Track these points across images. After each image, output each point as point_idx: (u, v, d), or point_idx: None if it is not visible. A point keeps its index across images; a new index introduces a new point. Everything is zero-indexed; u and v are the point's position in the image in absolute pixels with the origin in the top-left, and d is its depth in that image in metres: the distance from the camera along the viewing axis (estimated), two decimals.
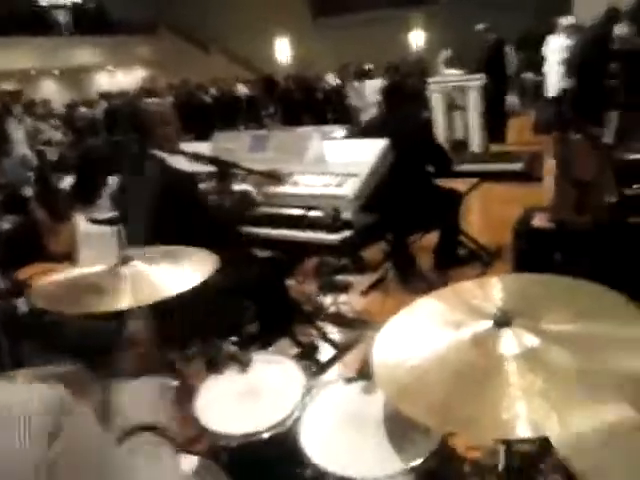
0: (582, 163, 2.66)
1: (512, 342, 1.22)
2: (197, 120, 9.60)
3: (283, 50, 19.51)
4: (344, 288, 4.08)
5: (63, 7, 18.19)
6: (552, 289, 1.40)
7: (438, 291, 1.47)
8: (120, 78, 19.56)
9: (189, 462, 1.54)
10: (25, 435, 0.69)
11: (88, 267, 1.63)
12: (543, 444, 1.58)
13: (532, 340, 1.21)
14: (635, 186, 2.37)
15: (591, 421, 0.96)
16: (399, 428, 1.42)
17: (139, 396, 1.14)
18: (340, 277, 4.24)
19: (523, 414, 1.09)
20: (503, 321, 1.24)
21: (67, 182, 5.29)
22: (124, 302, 1.42)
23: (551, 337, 1.21)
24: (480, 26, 8.31)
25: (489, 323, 1.26)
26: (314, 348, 3.18)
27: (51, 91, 17.47)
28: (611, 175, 2.50)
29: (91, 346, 2.01)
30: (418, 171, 3.69)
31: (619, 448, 0.87)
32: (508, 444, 1.49)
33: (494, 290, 1.38)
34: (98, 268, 1.58)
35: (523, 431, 1.07)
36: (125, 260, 1.55)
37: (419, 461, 1.35)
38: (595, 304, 1.31)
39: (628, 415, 0.91)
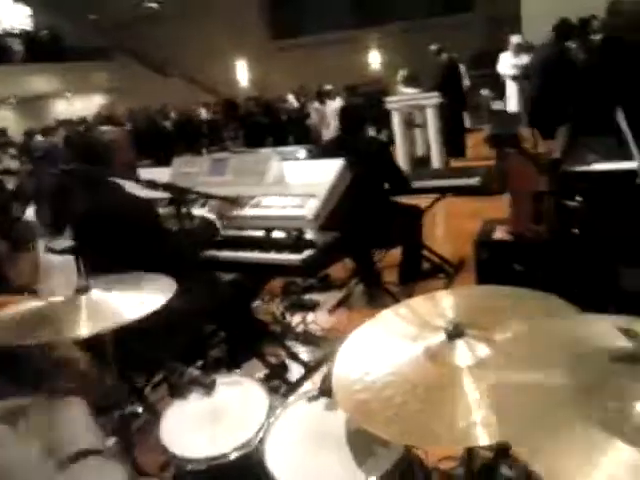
0: (526, 178, 2.77)
1: (465, 353, 1.27)
2: (158, 145, 9.57)
3: (243, 72, 19.60)
4: (311, 307, 4.10)
5: (17, 35, 17.99)
6: (502, 299, 1.45)
7: (394, 307, 1.51)
8: (78, 105, 19.34)
9: None
10: None
11: (46, 299, 1.62)
12: (502, 449, 1.62)
13: (484, 350, 1.26)
14: (577, 198, 2.46)
15: (545, 423, 1.00)
16: (362, 443, 1.45)
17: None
18: (307, 296, 4.26)
19: (479, 422, 1.13)
20: (455, 333, 1.29)
21: (30, 212, 5.22)
22: (81, 330, 1.42)
23: (502, 346, 1.26)
24: (433, 46, 8.54)
25: (442, 336, 1.30)
26: (283, 368, 3.18)
27: (8, 120, 17.18)
28: (556, 190, 2.60)
29: (55, 377, 1.99)
30: (376, 190, 3.76)
31: (573, 445, 0.90)
32: (469, 452, 1.53)
33: (446, 304, 1.43)
34: (55, 299, 1.57)
35: (480, 438, 1.11)
36: (83, 290, 1.55)
37: (381, 473, 1.37)
38: (543, 312, 1.37)
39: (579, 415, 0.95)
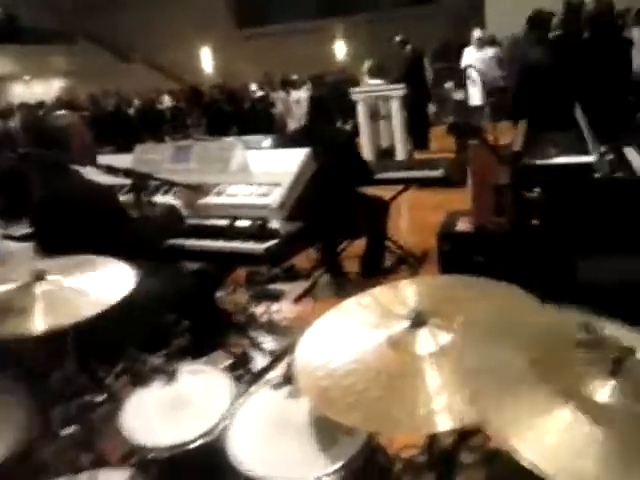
0: (487, 171, 2.82)
1: (427, 341, 1.29)
2: (119, 132, 9.39)
3: (207, 60, 19.36)
4: (276, 297, 4.10)
5: None
6: (464, 289, 1.48)
7: (357, 296, 1.52)
8: (37, 89, 18.80)
9: (119, 477, 1.53)
10: None
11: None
12: (461, 438, 1.65)
13: (445, 337, 1.29)
14: (535, 190, 2.52)
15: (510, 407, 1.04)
16: (325, 430, 1.46)
17: None
18: (272, 286, 4.25)
19: (439, 408, 1.15)
20: (418, 321, 1.31)
21: None
22: (39, 325, 1.38)
23: (464, 334, 1.29)
24: (398, 38, 8.57)
25: (405, 324, 1.32)
26: (247, 358, 3.17)
27: None
28: (515, 182, 2.65)
29: (14, 364, 1.96)
30: (341, 180, 3.77)
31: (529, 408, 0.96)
32: (431, 439, 1.56)
33: (409, 293, 1.45)
34: (9, 286, 1.53)
35: (440, 425, 1.14)
36: (39, 276, 1.51)
37: (343, 461, 1.39)
38: (505, 301, 1.40)
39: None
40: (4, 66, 17.89)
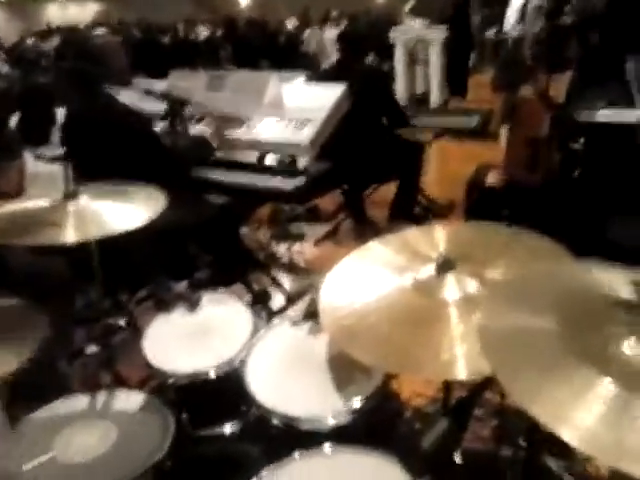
0: (533, 122, 2.71)
1: (454, 287, 1.27)
2: (153, 61, 9.28)
3: None
4: (297, 237, 4.10)
5: None
6: (495, 237, 1.44)
7: (384, 237, 1.49)
8: (72, 11, 18.56)
9: (135, 399, 1.56)
10: None
11: (32, 202, 1.59)
12: (478, 389, 1.65)
13: (472, 286, 1.26)
14: (581, 140, 2.43)
15: (532, 361, 1.00)
16: (342, 369, 1.47)
17: None
18: (294, 226, 4.25)
19: (461, 356, 1.14)
20: (445, 267, 1.28)
21: (14, 120, 5.06)
22: (69, 236, 1.40)
23: (491, 283, 1.26)
24: None
25: (432, 269, 1.30)
26: (266, 295, 3.19)
27: None
28: (561, 133, 2.56)
29: (39, 283, 1.98)
30: (374, 121, 3.68)
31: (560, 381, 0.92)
32: (447, 389, 1.55)
33: (439, 237, 1.42)
34: (43, 203, 1.54)
35: (460, 372, 1.13)
36: (71, 195, 1.52)
37: (360, 401, 1.39)
38: (534, 252, 1.36)
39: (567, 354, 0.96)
40: None
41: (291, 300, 3.18)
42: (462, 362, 1.13)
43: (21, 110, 4.85)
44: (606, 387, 0.87)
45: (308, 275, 3.56)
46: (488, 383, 1.38)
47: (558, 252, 1.32)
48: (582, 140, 2.43)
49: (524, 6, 7.13)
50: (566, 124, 2.59)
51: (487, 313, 1.08)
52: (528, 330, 1.01)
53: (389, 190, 4.11)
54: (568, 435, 0.82)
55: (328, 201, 4.17)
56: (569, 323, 0.98)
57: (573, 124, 2.59)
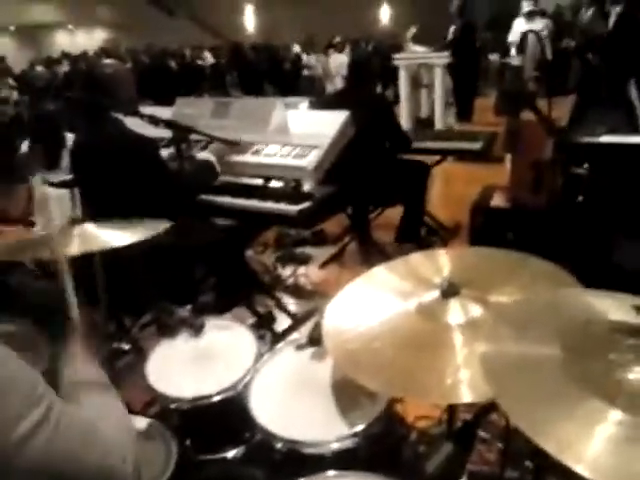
0: (535, 145, 2.73)
1: (458, 312, 1.27)
2: (160, 86, 9.40)
3: (250, 18, 19.16)
4: (303, 260, 4.11)
5: None
6: (500, 262, 1.45)
7: (389, 262, 1.50)
8: (80, 39, 18.88)
9: (138, 424, 1.55)
10: None
11: (42, 230, 1.61)
12: (483, 412, 1.64)
13: (477, 310, 1.26)
14: (585, 165, 2.44)
15: (538, 390, 0.99)
16: (347, 393, 1.46)
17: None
18: (299, 249, 4.26)
19: (466, 380, 1.13)
20: (450, 292, 1.28)
21: (26, 145, 5.13)
22: (72, 249, 1.42)
23: (495, 308, 1.26)
24: (456, 2, 8.29)
25: (437, 293, 1.30)
26: (271, 318, 3.19)
27: (6, 47, 16.76)
28: (563, 157, 2.57)
29: (41, 307, 1.99)
30: (378, 146, 3.71)
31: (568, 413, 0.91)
32: (452, 412, 1.54)
33: (443, 262, 1.42)
34: (50, 231, 1.56)
35: (465, 396, 1.12)
36: (77, 221, 1.54)
37: (364, 425, 1.38)
38: (539, 278, 1.36)
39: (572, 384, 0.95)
40: (49, 14, 17.98)
41: (296, 323, 3.18)
42: (467, 386, 1.12)
43: (32, 135, 4.93)
44: (612, 414, 0.86)
45: (314, 298, 3.56)
46: (494, 405, 1.37)
47: (562, 277, 1.32)
48: (586, 165, 2.43)
49: (524, 34, 7.23)
50: (569, 148, 2.60)
51: (490, 339, 1.08)
52: (531, 356, 1.00)
53: (394, 212, 4.13)
54: (576, 464, 0.81)
55: (333, 224, 4.19)
56: (573, 349, 0.97)
57: (576, 148, 2.60)
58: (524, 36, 7.18)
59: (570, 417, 0.88)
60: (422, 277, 1.40)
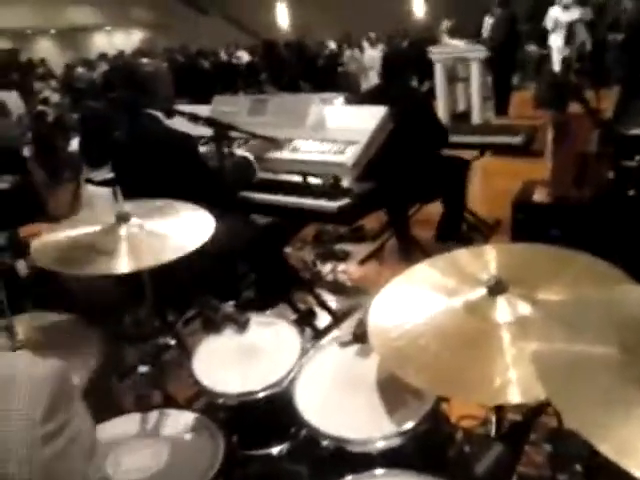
0: (581, 137, 2.66)
1: (506, 310, 1.25)
2: (195, 85, 9.50)
3: (284, 16, 19.18)
4: (342, 257, 4.11)
5: None
6: (547, 259, 1.42)
7: (433, 259, 1.48)
8: (118, 40, 19.22)
9: (185, 419, 1.58)
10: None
11: (86, 227, 1.63)
12: (533, 414, 1.61)
13: (525, 308, 1.24)
14: (637, 157, 2.36)
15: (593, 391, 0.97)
16: (393, 391, 1.45)
17: None
18: (338, 246, 4.26)
19: (515, 380, 1.12)
20: (497, 289, 1.26)
21: (74, 144, 5.25)
22: (123, 266, 1.43)
23: (544, 306, 1.23)
24: None
25: (483, 290, 1.28)
26: (311, 315, 3.20)
27: (47, 51, 17.18)
28: (610, 149, 2.50)
29: (91, 303, 2.04)
30: (416, 141, 3.67)
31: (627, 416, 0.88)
32: (499, 412, 1.52)
33: (489, 259, 1.40)
34: (96, 228, 1.58)
35: (514, 396, 1.10)
36: (123, 219, 1.55)
37: (411, 424, 1.37)
38: (590, 275, 1.33)
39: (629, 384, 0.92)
40: (87, 16, 18.35)
41: (338, 320, 3.18)
42: (516, 387, 1.11)
43: (80, 136, 5.05)
44: None
45: (353, 295, 3.55)
46: (543, 407, 1.35)
47: (614, 274, 1.29)
48: (638, 158, 2.36)
49: (570, 24, 7.06)
50: (617, 140, 2.53)
51: (542, 338, 1.06)
52: (587, 356, 0.98)
53: (433, 209, 4.09)
54: (637, 470, 0.78)
55: (373, 220, 4.17)
56: (631, 350, 0.95)
57: (625, 140, 2.53)
58: (570, 26, 7.01)
59: (628, 420, 0.85)
60: (466, 274, 1.39)
